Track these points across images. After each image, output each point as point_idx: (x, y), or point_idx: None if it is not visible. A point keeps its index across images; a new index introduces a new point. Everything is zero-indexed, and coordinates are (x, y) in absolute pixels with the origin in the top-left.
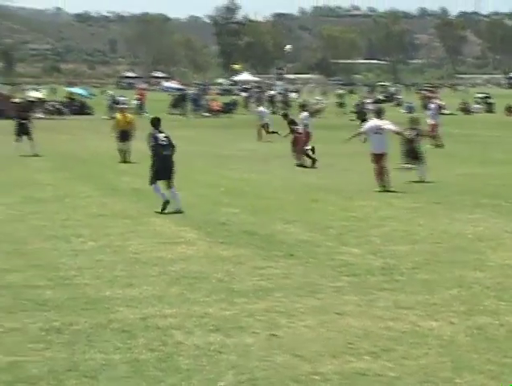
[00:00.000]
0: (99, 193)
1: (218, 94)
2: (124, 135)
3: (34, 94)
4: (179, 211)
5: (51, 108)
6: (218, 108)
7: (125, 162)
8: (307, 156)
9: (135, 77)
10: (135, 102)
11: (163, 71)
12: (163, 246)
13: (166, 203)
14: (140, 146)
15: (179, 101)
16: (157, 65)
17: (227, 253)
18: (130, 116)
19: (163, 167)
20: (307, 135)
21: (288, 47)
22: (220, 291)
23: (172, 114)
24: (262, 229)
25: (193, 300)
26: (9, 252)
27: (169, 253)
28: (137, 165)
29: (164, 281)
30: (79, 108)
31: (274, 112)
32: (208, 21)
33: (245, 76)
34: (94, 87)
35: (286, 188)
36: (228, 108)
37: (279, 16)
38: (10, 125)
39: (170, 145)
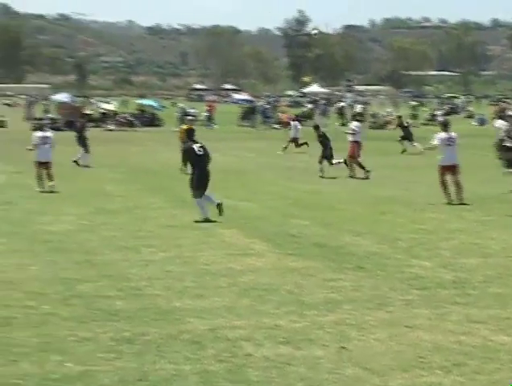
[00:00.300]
0: (169, 204)
1: (288, 106)
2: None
3: (106, 106)
4: (219, 207)
5: (122, 120)
6: (288, 120)
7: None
8: (360, 166)
9: (205, 89)
10: (205, 114)
11: (233, 84)
12: (232, 257)
13: (207, 220)
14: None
15: (248, 113)
16: (227, 77)
17: (296, 265)
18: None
19: (201, 177)
20: (357, 145)
21: (315, 31)
22: (289, 303)
23: (242, 126)
24: (332, 241)
25: (263, 312)
26: (80, 262)
27: (239, 265)
28: None
29: (234, 293)
30: (149, 120)
31: (343, 124)
32: (278, 33)
33: (314, 88)
34: (165, 99)
35: (354, 200)
36: (297, 120)
37: (349, 28)
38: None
39: (206, 155)
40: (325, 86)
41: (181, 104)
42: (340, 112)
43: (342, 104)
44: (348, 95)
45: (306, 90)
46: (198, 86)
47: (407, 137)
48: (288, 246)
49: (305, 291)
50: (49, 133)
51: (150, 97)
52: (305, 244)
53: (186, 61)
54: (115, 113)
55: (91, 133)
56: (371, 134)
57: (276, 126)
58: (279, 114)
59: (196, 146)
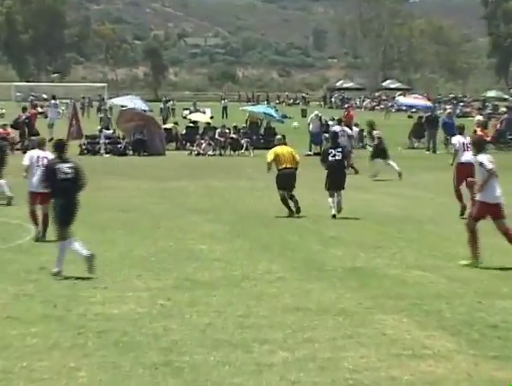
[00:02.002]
0: (296, 274)
1: (487, 115)
2: (286, 177)
3: (196, 117)
4: (90, 261)
5: (221, 139)
6: (486, 137)
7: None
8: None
9: (353, 89)
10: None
11: (398, 80)
12: (397, 360)
13: (57, 274)
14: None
15: (423, 127)
16: (388, 70)
17: (503, 375)
18: (290, 149)
19: (66, 211)
20: (457, 169)
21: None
22: None
23: (413, 148)
24: None
25: None
26: (163, 364)
27: (408, 372)
28: (349, 227)
29: None
30: (265, 138)
31: None
32: None
33: None
34: (288, 104)
35: None
36: (502, 139)
37: None
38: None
39: (76, 180)
40: None
41: (316, 112)
42: None
43: None
44: None
45: None
46: (342, 84)
47: None
48: (489, 344)
49: None
50: (48, 153)
51: (266, 102)
52: None
53: (322, 43)
54: (210, 127)
55: (171, 157)
56: None
57: None
58: (477, 129)
59: (62, 167)
